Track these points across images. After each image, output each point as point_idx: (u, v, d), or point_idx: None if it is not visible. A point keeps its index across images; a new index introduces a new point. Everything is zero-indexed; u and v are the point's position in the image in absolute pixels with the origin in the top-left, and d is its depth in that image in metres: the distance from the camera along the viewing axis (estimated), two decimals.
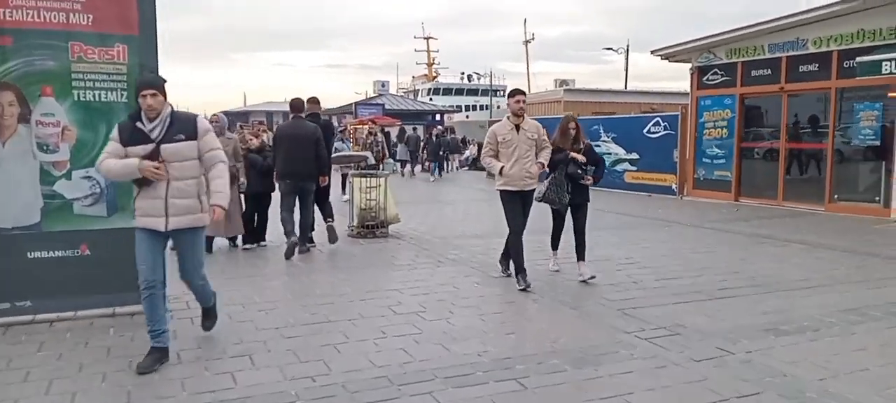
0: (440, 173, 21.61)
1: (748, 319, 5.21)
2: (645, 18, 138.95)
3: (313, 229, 8.35)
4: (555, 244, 7.18)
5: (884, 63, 9.76)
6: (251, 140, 8.59)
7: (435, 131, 20.88)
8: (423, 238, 9.11)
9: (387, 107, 31.42)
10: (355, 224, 9.21)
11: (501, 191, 6.41)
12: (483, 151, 6.66)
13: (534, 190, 6.56)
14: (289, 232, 7.65)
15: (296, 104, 8.24)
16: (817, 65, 12.38)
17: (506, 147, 6.27)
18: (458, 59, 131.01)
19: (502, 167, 6.22)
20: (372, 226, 9.03)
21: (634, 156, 16.46)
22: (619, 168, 16.89)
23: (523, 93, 6.69)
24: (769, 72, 13.31)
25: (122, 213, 5.00)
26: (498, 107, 52.85)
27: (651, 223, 10.92)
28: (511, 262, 6.53)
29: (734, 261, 7.60)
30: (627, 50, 39.03)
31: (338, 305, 5.56)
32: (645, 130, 16.08)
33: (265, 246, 8.34)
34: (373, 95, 46.18)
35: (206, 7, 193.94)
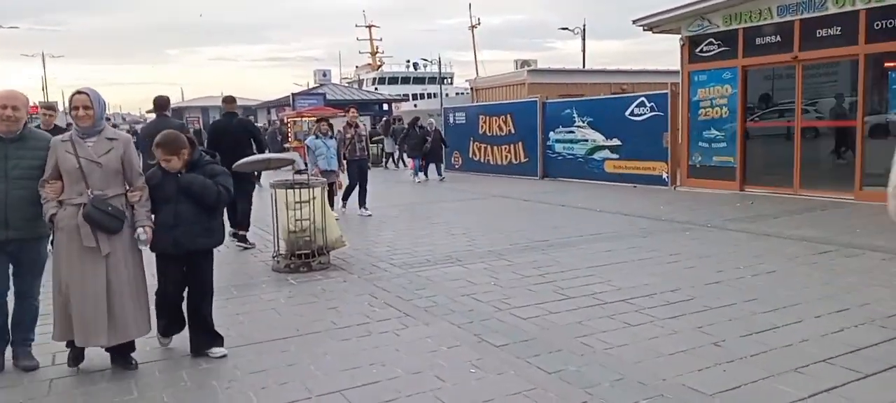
0: (426, 174, 16.55)
1: None
2: (587, 5, 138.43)
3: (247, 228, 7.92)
4: None
5: None
6: None
7: (419, 122, 17.60)
8: (378, 267, 6.63)
9: (329, 97, 28.62)
10: (282, 253, 6.66)
11: None
12: None
13: None
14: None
15: (159, 101, 7.92)
16: (840, 27, 10.40)
17: None
18: (402, 49, 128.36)
19: None
20: (306, 256, 6.49)
21: (616, 142, 14.31)
22: (597, 156, 14.73)
23: None
24: (778, 38, 11.29)
25: None
26: (447, 94, 50.47)
27: (663, 226, 8.71)
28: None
29: (837, 292, 5.40)
30: (584, 30, 37.04)
31: None
32: (627, 112, 13.94)
33: None
34: (314, 86, 43.15)
35: (136, 3, 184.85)
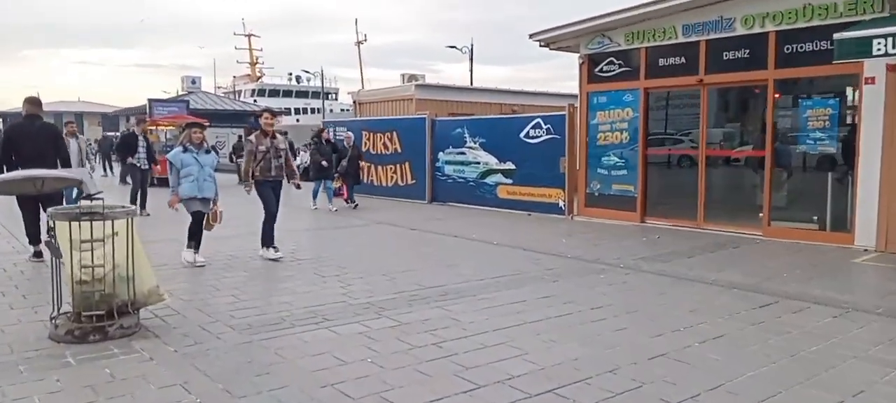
0: (330, 199, 13.34)
1: None
2: (470, 30, 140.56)
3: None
4: None
5: (875, 41, 7.17)
6: None
7: (328, 134, 14.26)
8: (208, 332, 4.76)
9: (193, 105, 25.74)
10: (67, 313, 4.63)
11: None
12: None
13: None
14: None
15: None
16: (748, 50, 9.79)
17: None
18: (284, 62, 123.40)
19: None
20: (100, 318, 4.51)
21: (509, 166, 13.15)
22: (490, 180, 13.50)
23: None
24: (683, 60, 10.55)
25: None
26: (331, 110, 48.25)
27: (572, 267, 7.44)
28: None
29: (814, 369, 4.22)
30: (472, 50, 36.36)
31: None
32: (522, 134, 12.83)
33: None
34: (182, 93, 39.47)
35: None
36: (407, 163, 15.36)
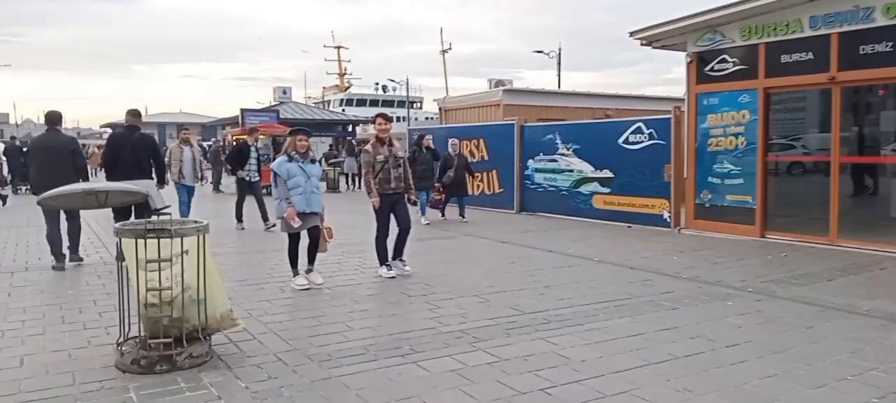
0: (443, 212, 12.77)
1: None
2: (553, 38, 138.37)
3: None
4: None
5: None
6: None
7: (429, 142, 12.44)
8: (284, 363, 4.25)
9: (283, 115, 26.13)
10: (134, 337, 4.25)
11: None
12: None
13: None
14: (58, 253, 7.45)
15: (51, 116, 7.83)
16: (892, 43, 8.47)
17: None
18: (372, 72, 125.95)
19: None
20: (167, 345, 4.08)
21: (607, 174, 12.20)
22: (584, 189, 12.60)
23: None
24: (810, 56, 9.32)
25: None
26: (415, 118, 48.36)
27: (691, 290, 6.49)
28: None
29: None
30: (559, 54, 35.23)
31: None
32: (621, 139, 11.86)
33: None
34: (274, 104, 40.58)
35: (106, 18, 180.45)
36: (494, 171, 14.69)
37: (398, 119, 64.69)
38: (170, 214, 4.16)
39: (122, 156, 7.93)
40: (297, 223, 6.38)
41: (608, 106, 18.10)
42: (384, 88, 71.82)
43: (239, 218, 11.46)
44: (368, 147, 7.17)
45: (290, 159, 6.49)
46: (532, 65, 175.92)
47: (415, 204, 7.66)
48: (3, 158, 22.30)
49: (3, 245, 9.20)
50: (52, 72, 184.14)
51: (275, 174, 6.49)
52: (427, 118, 59.35)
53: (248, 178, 11.74)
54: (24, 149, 18.54)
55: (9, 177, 21.71)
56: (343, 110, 53.57)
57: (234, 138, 21.53)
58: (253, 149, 12.01)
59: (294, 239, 6.59)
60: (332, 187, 20.09)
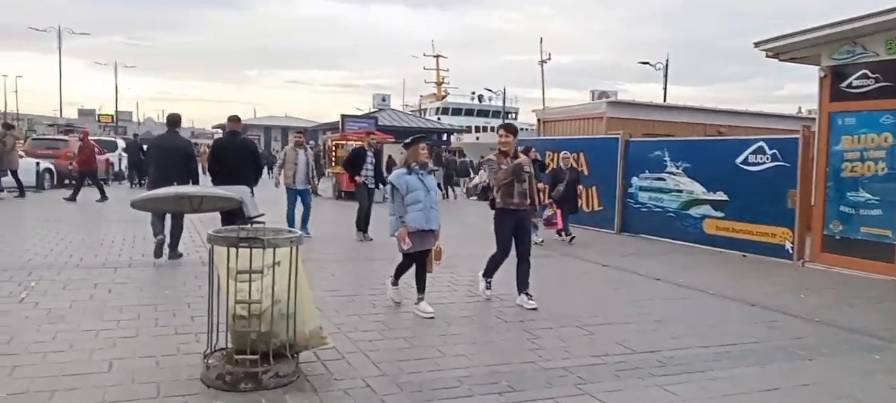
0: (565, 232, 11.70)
1: None
2: (664, 49, 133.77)
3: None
4: None
5: None
6: None
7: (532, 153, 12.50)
8: (372, 391, 3.94)
9: (380, 122, 26.40)
10: (221, 349, 4.07)
11: None
12: None
13: None
14: (158, 232, 7.86)
15: (172, 119, 8.53)
16: None
17: None
18: (468, 82, 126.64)
19: None
20: (253, 362, 3.86)
21: (721, 196, 11.26)
22: (694, 212, 11.71)
23: None
24: None
25: None
26: None
27: (827, 337, 5.67)
28: None
29: None
30: (666, 66, 33.71)
31: None
32: (739, 160, 10.90)
33: None
34: (372, 110, 41.35)
35: (224, 26, 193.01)
36: (594, 188, 13.99)
37: (493, 129, 64.67)
38: (264, 222, 3.95)
39: (226, 158, 8.34)
40: (407, 245, 5.74)
41: (720, 122, 16.92)
42: (480, 98, 71.87)
43: (361, 227, 10.63)
44: (492, 157, 6.45)
45: (410, 171, 5.85)
46: (633, 77, 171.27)
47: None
48: (124, 154, 23.88)
49: (112, 239, 9.55)
50: (172, 74, 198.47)
51: (392, 187, 5.87)
52: (522, 128, 58.76)
53: (366, 183, 10.87)
54: (143, 147, 19.64)
55: (126, 172, 23.20)
56: (439, 119, 53.93)
57: (334, 143, 21.90)
58: (369, 154, 11.09)
59: (409, 257, 5.96)
60: None
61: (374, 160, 11.03)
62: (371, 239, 10.38)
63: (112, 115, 57.24)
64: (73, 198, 15.03)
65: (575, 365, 4.54)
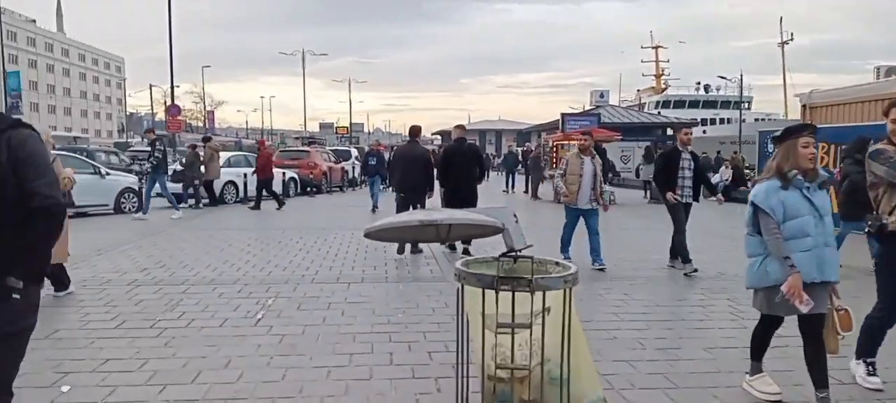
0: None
1: None
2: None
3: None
4: None
5: None
6: None
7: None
8: None
9: (604, 119, 24.71)
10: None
11: None
12: None
13: None
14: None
15: (413, 130, 9.84)
16: None
17: None
18: (687, 74, 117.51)
19: None
20: None
21: None
22: None
23: None
24: None
25: None
26: (743, 120, 42.79)
27: None
28: None
29: None
30: None
31: None
32: None
33: None
34: (590, 108, 39.59)
35: (441, 39, 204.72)
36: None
37: (722, 120, 58.69)
38: (532, 256, 2.89)
39: (455, 161, 8.94)
40: (807, 305, 3.43)
41: None
42: (707, 88, 66.08)
43: (679, 255, 7.94)
44: (883, 145, 3.98)
45: (786, 183, 3.54)
46: (884, 54, 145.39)
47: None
48: (357, 162, 25.28)
49: (347, 250, 9.31)
50: (396, 87, 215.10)
51: (756, 210, 3.59)
52: (756, 119, 52.58)
53: (682, 200, 7.88)
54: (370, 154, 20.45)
55: (360, 178, 24.45)
56: (659, 112, 50.28)
57: (555, 143, 20.82)
58: (686, 157, 7.98)
59: (771, 320, 3.81)
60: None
61: (692, 164, 7.96)
62: (696, 271, 7.60)
63: (347, 127, 62.63)
64: (256, 206, 15.37)
65: None
